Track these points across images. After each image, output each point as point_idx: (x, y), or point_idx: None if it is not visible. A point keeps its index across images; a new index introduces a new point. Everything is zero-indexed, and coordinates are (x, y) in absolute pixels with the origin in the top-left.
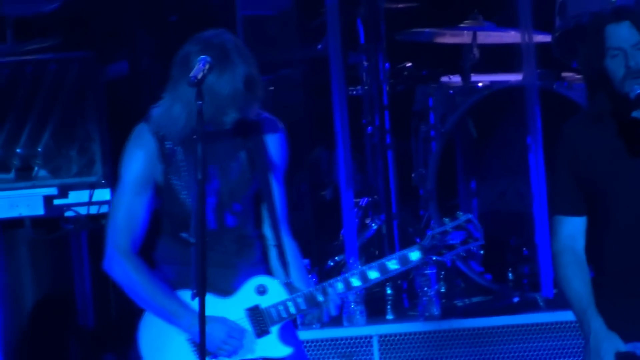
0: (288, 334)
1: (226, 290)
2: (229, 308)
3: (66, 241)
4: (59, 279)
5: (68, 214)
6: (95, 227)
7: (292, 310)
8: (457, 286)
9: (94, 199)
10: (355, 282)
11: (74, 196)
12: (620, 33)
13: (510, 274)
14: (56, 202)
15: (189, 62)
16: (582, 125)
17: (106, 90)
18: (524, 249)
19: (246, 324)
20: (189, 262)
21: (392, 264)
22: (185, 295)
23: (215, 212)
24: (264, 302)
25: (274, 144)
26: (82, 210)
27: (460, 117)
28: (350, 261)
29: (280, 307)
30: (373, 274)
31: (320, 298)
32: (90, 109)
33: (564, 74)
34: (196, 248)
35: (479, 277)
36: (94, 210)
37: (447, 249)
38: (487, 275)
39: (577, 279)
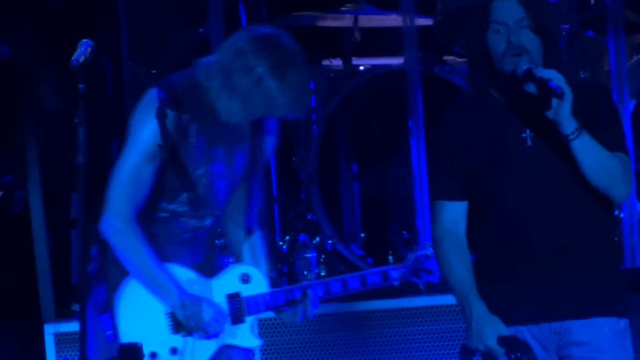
0: (256, 327)
1: (209, 271)
2: (211, 290)
3: None
4: None
5: None
6: None
7: (271, 304)
8: (338, 270)
9: None
10: (335, 287)
11: None
12: (506, 9)
13: (391, 258)
14: None
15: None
16: (463, 107)
17: None
18: (405, 232)
19: (224, 309)
20: (167, 236)
21: (372, 278)
22: (174, 269)
23: (223, 196)
24: (246, 291)
25: (271, 143)
26: None
27: (341, 101)
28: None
29: (260, 300)
30: (353, 284)
31: (298, 297)
32: None
33: (446, 58)
34: (79, 236)
35: (360, 261)
36: None
37: (425, 272)
38: (368, 258)
39: (459, 264)
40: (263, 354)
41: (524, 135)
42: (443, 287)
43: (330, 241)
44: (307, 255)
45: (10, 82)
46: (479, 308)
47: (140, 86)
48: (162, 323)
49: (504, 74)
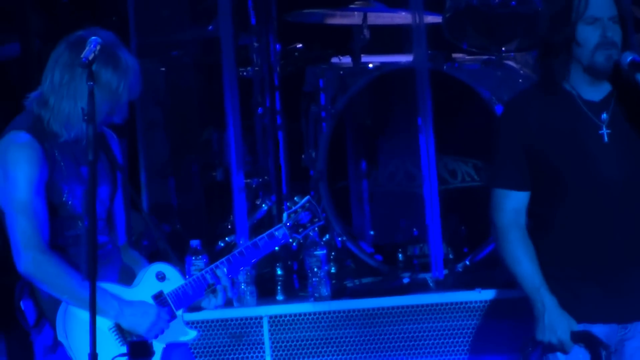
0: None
1: (129, 281)
2: (137, 297)
3: None
4: None
5: None
6: None
7: (190, 292)
8: (347, 267)
9: None
10: (236, 260)
11: None
12: (600, 3)
13: (400, 255)
14: None
15: (73, 66)
16: (532, 98)
17: None
18: (414, 229)
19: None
20: (79, 256)
21: (262, 242)
22: (106, 285)
23: (105, 209)
24: (166, 287)
25: (119, 149)
26: None
27: (350, 99)
28: (241, 242)
29: (181, 291)
30: (249, 252)
31: (210, 280)
32: None
33: (455, 55)
34: (88, 232)
35: (369, 258)
36: None
37: (301, 227)
38: (378, 256)
39: (527, 257)
40: (273, 351)
41: (600, 132)
42: (452, 284)
43: (339, 239)
44: (317, 252)
45: (19, 80)
46: (551, 302)
47: (150, 84)
48: (109, 339)
49: (594, 66)
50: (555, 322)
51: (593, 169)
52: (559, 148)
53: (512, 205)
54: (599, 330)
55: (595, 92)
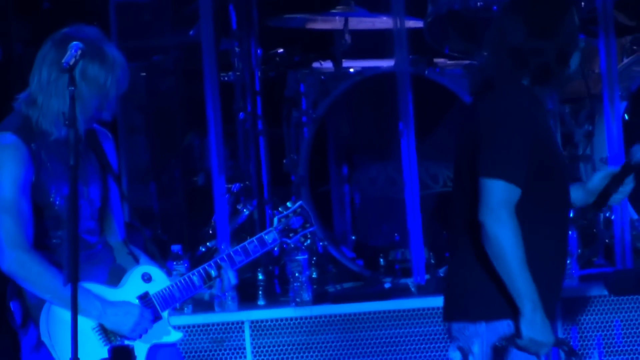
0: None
1: (117, 282)
2: (123, 297)
3: None
4: None
5: None
6: None
7: (177, 294)
8: (329, 272)
9: None
10: (223, 264)
11: None
12: None
13: (382, 260)
14: None
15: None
16: (529, 97)
17: None
18: (396, 234)
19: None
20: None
21: (252, 247)
22: (90, 286)
23: (95, 211)
24: (152, 288)
25: (112, 149)
26: None
27: (332, 103)
28: (222, 247)
29: (167, 293)
30: (238, 257)
31: (215, 274)
32: None
33: (436, 60)
34: (69, 235)
35: (351, 263)
36: None
37: (292, 232)
38: (359, 261)
39: (523, 254)
40: (255, 356)
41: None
42: (434, 289)
43: (321, 243)
44: (298, 257)
45: (1, 86)
46: (540, 302)
47: (131, 89)
48: (92, 339)
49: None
50: (546, 322)
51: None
52: (556, 148)
53: (513, 198)
54: None
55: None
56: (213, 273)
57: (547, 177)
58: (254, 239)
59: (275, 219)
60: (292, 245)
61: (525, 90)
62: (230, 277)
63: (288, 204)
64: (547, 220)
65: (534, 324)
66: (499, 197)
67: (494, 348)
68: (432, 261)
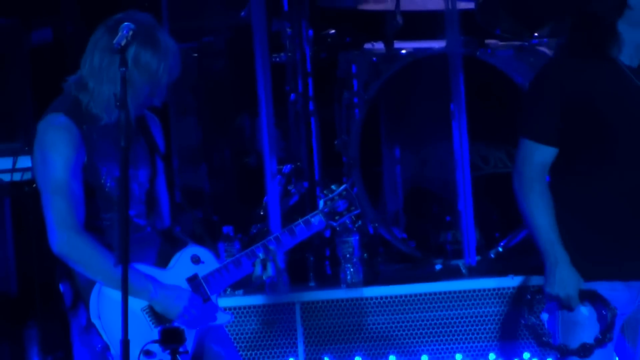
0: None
1: (165, 264)
2: (172, 279)
3: None
4: None
5: None
6: (18, 193)
7: (226, 276)
8: (380, 253)
9: (17, 165)
10: (271, 245)
11: None
12: None
13: (432, 241)
14: None
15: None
16: (578, 62)
17: (30, 57)
18: (447, 216)
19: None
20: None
21: (298, 228)
22: (140, 267)
23: (144, 194)
24: (201, 270)
25: (160, 134)
26: (5, 177)
27: (383, 85)
28: (273, 228)
29: (216, 275)
30: (285, 239)
31: (262, 255)
32: (14, 76)
33: (488, 41)
34: (120, 216)
35: (402, 244)
36: (17, 177)
37: (338, 215)
38: (410, 242)
39: (546, 210)
40: (305, 338)
41: None
42: (484, 270)
43: (372, 225)
44: (349, 238)
45: (53, 66)
46: (564, 257)
47: (182, 70)
48: (141, 320)
49: None
50: (566, 277)
51: None
52: (611, 107)
53: (540, 158)
54: (618, 288)
55: (633, 59)
56: (261, 255)
57: (593, 135)
58: (300, 221)
59: (321, 202)
60: (339, 228)
61: (575, 53)
62: (277, 260)
63: (333, 186)
64: (599, 177)
65: (551, 279)
66: (521, 155)
67: (525, 301)
68: (483, 242)
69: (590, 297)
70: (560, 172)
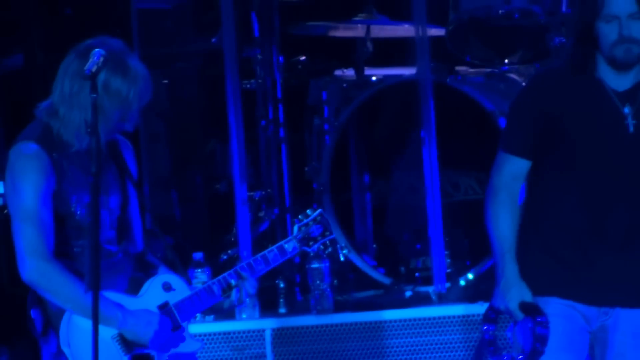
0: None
1: (132, 290)
2: (143, 306)
3: None
4: None
5: None
6: None
7: (197, 304)
8: (350, 280)
9: None
10: (244, 272)
11: None
12: (619, 1)
13: (402, 268)
14: None
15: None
16: (558, 78)
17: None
18: (417, 243)
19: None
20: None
21: (272, 255)
22: (110, 295)
23: (115, 220)
24: (172, 298)
25: (132, 157)
26: None
27: (353, 111)
28: (244, 255)
29: (187, 303)
30: (258, 266)
31: (235, 282)
32: None
33: (458, 68)
34: (91, 243)
35: (372, 271)
36: None
37: (312, 240)
38: (380, 269)
39: (507, 221)
40: None
41: (626, 122)
42: (454, 297)
43: (342, 251)
44: (320, 265)
45: (22, 93)
46: (511, 270)
47: (153, 96)
48: (111, 348)
49: (614, 60)
50: (507, 290)
51: (613, 152)
52: (578, 127)
53: (510, 169)
54: (580, 309)
55: (621, 82)
56: (233, 282)
57: (556, 153)
58: (274, 247)
59: (295, 227)
60: (313, 254)
61: (563, 68)
62: (249, 286)
63: (308, 211)
64: (557, 195)
65: (495, 291)
66: (494, 165)
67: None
68: (453, 270)
69: (528, 311)
70: (530, 185)
